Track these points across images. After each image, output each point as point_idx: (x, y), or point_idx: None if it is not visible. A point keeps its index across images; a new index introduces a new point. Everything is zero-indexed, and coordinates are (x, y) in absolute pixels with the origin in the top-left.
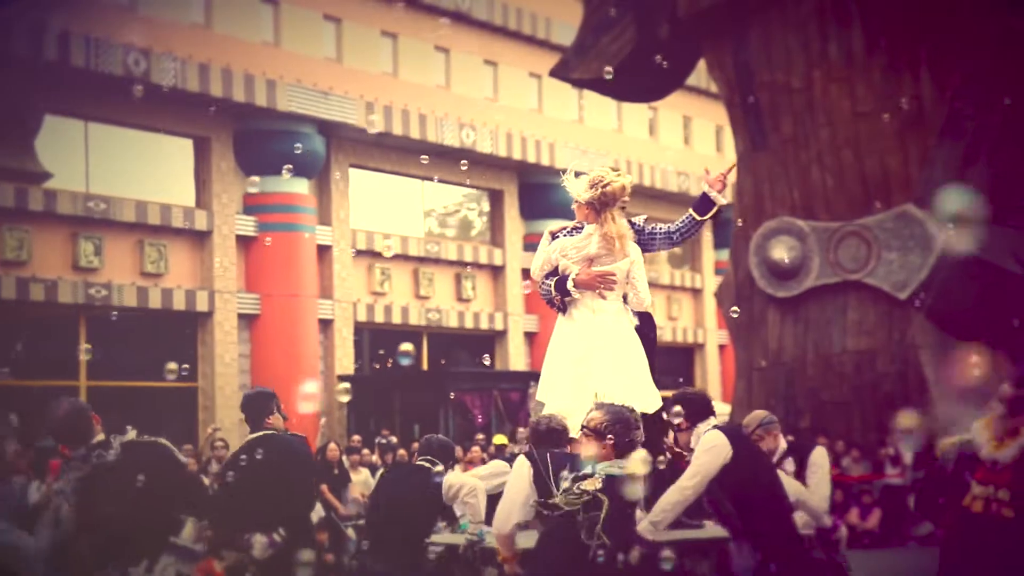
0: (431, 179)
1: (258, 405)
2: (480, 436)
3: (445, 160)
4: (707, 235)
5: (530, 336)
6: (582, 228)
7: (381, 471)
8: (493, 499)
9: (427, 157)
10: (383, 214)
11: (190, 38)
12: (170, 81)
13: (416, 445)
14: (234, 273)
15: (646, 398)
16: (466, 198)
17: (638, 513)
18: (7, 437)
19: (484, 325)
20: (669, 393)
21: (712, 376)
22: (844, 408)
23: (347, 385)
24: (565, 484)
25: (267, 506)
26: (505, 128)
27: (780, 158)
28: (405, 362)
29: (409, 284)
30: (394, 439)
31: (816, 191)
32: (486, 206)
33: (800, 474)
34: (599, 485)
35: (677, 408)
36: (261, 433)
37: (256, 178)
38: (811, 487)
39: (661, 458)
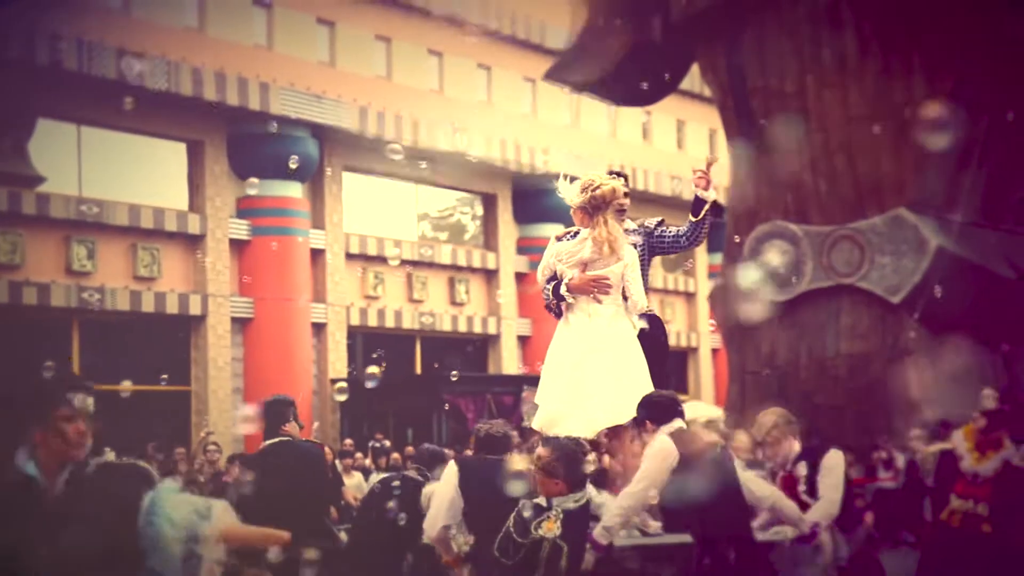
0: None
1: (276, 411)
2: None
3: (440, 165)
4: None
5: (523, 340)
6: None
7: (373, 476)
8: None
9: (425, 163)
10: (377, 218)
11: (183, 41)
12: (163, 85)
13: (410, 450)
14: (227, 277)
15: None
16: (459, 202)
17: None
18: None
19: (477, 329)
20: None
21: (705, 380)
22: (837, 412)
23: (343, 384)
24: (526, 514)
25: (281, 510)
26: (499, 132)
27: (773, 162)
28: (371, 384)
29: (402, 288)
30: (387, 443)
31: (809, 195)
32: (479, 210)
33: (814, 478)
34: (558, 531)
35: (642, 411)
36: (277, 439)
37: (255, 179)
38: (820, 492)
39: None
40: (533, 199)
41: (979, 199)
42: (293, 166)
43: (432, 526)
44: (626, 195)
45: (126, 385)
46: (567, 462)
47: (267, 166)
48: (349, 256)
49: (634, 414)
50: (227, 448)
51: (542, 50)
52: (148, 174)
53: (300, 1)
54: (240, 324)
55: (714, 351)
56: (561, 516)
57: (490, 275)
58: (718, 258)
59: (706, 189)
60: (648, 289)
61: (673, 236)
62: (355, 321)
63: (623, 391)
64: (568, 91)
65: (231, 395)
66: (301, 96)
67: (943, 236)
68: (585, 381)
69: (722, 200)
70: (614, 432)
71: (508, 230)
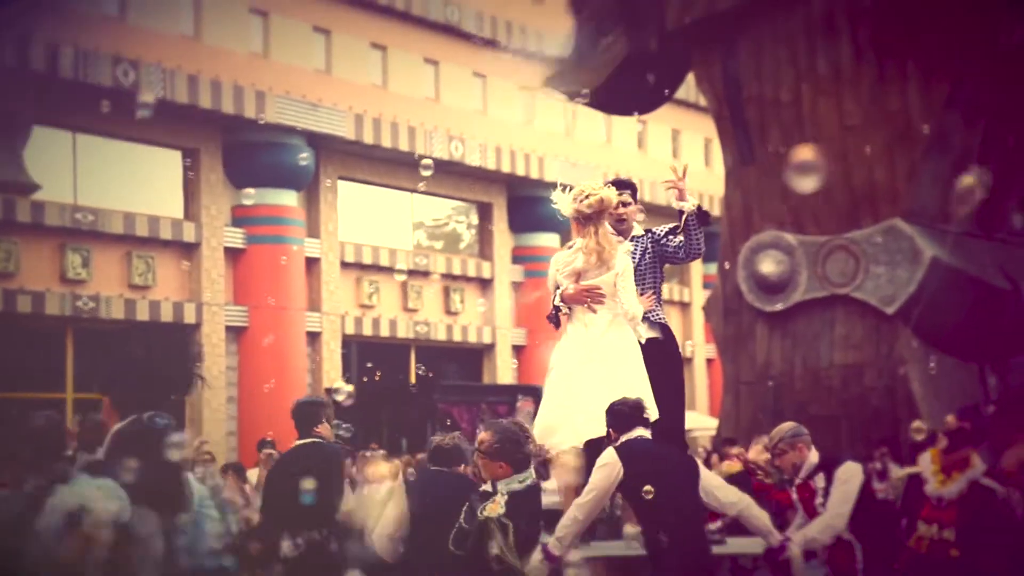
0: (420, 191)
1: (308, 412)
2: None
3: (435, 173)
4: None
5: (518, 349)
6: None
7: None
8: None
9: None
10: (372, 226)
11: (179, 49)
12: (159, 92)
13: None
14: (222, 285)
15: None
16: (455, 211)
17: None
18: None
19: (472, 338)
20: None
21: (700, 390)
22: (832, 422)
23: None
24: (475, 503)
25: (303, 508)
26: (494, 141)
27: (768, 172)
28: (340, 399)
29: (397, 297)
30: (381, 452)
31: (804, 205)
32: (475, 219)
33: (829, 490)
34: (502, 509)
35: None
36: (309, 440)
37: (251, 190)
38: (828, 505)
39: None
40: (528, 208)
41: (974, 208)
42: (303, 163)
43: (380, 536)
44: (626, 204)
45: None
46: (508, 444)
47: (262, 175)
48: (344, 265)
49: None
50: (220, 457)
51: (538, 59)
52: (143, 182)
53: (296, 9)
54: (234, 333)
55: (709, 361)
56: (506, 497)
57: (485, 284)
58: (713, 268)
59: (682, 199)
60: (659, 299)
61: (674, 247)
62: (350, 330)
63: (614, 399)
64: (564, 100)
65: (225, 404)
66: (297, 104)
67: (938, 247)
68: (576, 392)
69: (715, 208)
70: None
71: (503, 239)
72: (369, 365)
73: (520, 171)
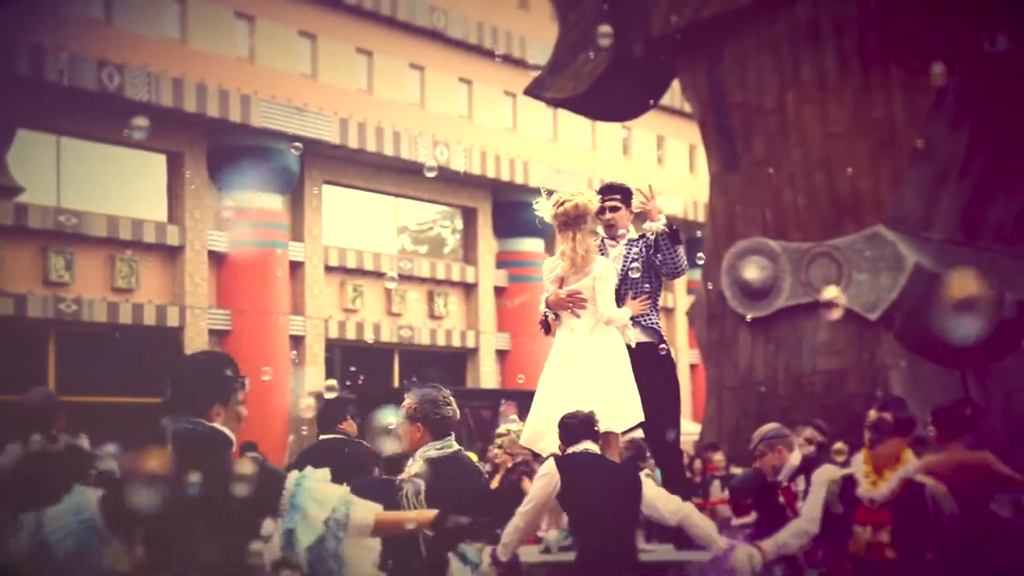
0: (405, 196)
1: (333, 409)
2: None
3: (420, 178)
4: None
5: (502, 354)
6: None
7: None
8: None
9: (434, 171)
10: (356, 231)
11: (165, 53)
12: (144, 96)
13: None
14: (205, 289)
15: (618, 414)
16: (439, 216)
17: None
18: None
19: (456, 343)
20: None
21: (683, 395)
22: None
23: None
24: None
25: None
26: (479, 146)
27: (752, 179)
28: (310, 416)
29: (381, 301)
30: None
31: (788, 212)
32: (459, 224)
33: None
34: (418, 469)
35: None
36: (332, 436)
37: (230, 201)
38: (804, 507)
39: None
40: (513, 213)
41: (957, 216)
42: (295, 153)
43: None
44: (614, 209)
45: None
46: (426, 407)
47: (247, 179)
48: (328, 269)
49: (607, 426)
50: None
51: (523, 65)
52: (127, 185)
53: (282, 14)
54: (218, 336)
55: (692, 366)
56: (422, 463)
57: (469, 289)
58: (696, 274)
59: (653, 219)
60: (656, 304)
61: (660, 260)
62: (333, 334)
63: (597, 403)
64: (548, 106)
65: None
66: (282, 108)
67: (921, 253)
68: (559, 397)
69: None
70: (605, 441)
71: (488, 244)
72: (352, 369)
73: (505, 176)
